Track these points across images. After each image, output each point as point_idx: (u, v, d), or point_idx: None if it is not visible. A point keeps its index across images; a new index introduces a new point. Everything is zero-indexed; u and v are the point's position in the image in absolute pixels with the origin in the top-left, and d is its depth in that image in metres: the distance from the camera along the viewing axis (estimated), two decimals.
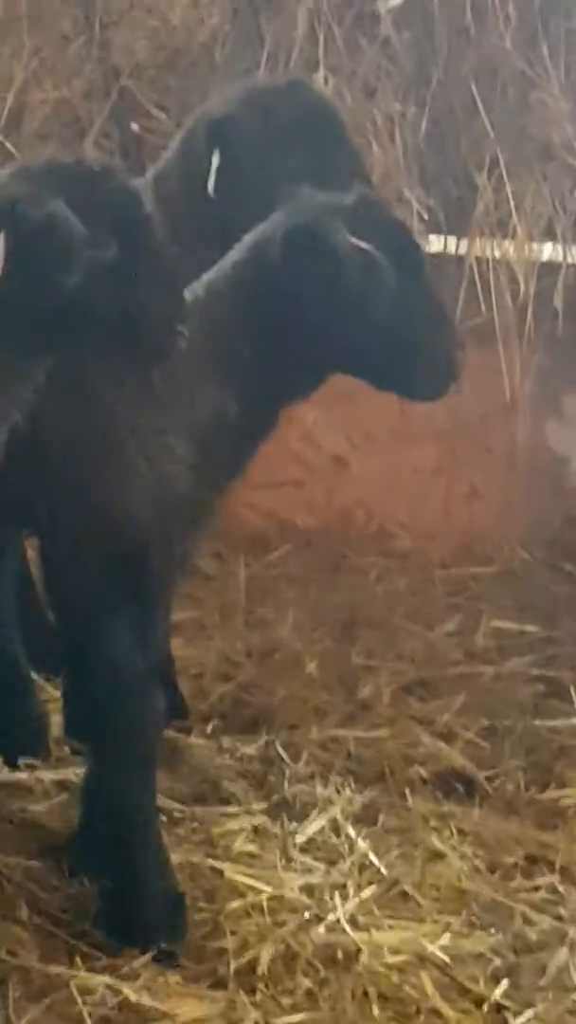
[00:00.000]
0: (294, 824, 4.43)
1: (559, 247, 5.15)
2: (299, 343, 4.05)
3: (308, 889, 4.13)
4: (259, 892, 4.07)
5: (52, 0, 5.61)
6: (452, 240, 4.89)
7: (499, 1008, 3.74)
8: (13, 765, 4.70)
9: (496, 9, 4.97)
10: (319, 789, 4.55)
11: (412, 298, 4.06)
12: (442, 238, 5.18)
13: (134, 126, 5.01)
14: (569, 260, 5.18)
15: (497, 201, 5.10)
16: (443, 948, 3.89)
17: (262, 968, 3.78)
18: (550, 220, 5.12)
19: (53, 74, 5.49)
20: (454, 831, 4.43)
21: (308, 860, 4.27)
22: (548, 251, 5.19)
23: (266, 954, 3.83)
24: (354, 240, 3.79)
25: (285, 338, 4.03)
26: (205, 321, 3.87)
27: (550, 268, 5.18)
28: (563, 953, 3.91)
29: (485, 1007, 3.74)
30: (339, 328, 3.99)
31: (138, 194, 3.95)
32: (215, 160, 4.13)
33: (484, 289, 5.15)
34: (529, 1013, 3.70)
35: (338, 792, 4.53)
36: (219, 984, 3.75)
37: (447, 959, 3.86)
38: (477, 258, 5.17)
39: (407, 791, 4.60)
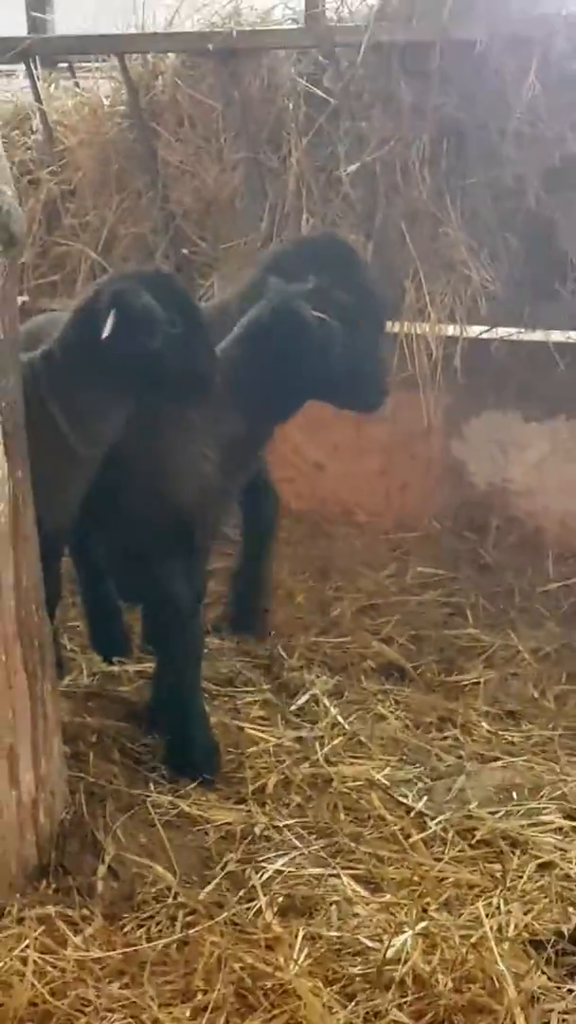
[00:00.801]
0: (289, 699, 4.53)
1: (458, 327, 5.18)
2: (284, 380, 4.11)
3: (299, 740, 4.23)
4: (267, 741, 4.21)
5: (131, 168, 5.68)
6: (389, 323, 4.86)
7: (421, 815, 3.80)
8: (109, 662, 4.75)
9: (416, 172, 5.00)
10: (305, 676, 4.64)
11: (355, 345, 4.11)
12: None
13: (184, 251, 4.89)
14: (464, 335, 5.19)
15: (418, 297, 5.12)
16: (386, 776, 4.01)
17: (269, 790, 3.93)
18: (452, 310, 5.14)
19: (132, 216, 5.56)
20: (393, 702, 4.52)
21: (299, 721, 4.38)
22: (451, 329, 5.22)
23: (272, 781, 3.96)
24: (314, 312, 3.92)
25: (275, 377, 4.10)
26: (225, 369, 3.97)
27: (452, 340, 5.19)
28: (461, 779, 3.99)
29: (412, 814, 3.81)
30: (308, 368, 4.05)
31: (188, 292, 4.29)
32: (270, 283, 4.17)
33: (410, 353, 5.15)
34: (440, 818, 3.76)
35: (317, 678, 4.61)
36: (241, 800, 3.89)
37: (388, 783, 3.97)
38: (406, 334, 5.20)
39: (362, 677, 4.70)
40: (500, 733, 4.37)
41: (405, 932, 3.18)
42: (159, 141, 5.71)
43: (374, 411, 4.52)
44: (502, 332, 5.36)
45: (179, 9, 5.80)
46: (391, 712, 4.45)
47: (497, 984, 2.98)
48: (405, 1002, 2.97)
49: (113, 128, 5.90)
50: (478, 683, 4.65)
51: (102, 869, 3.48)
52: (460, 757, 4.18)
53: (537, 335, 5.31)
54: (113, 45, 5.86)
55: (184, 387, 3.95)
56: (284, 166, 5.37)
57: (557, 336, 5.29)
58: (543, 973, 3.08)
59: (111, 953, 3.15)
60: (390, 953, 3.10)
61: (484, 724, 4.41)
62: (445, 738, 4.32)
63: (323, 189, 5.35)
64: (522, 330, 5.33)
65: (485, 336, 5.37)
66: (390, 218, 5.21)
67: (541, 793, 3.96)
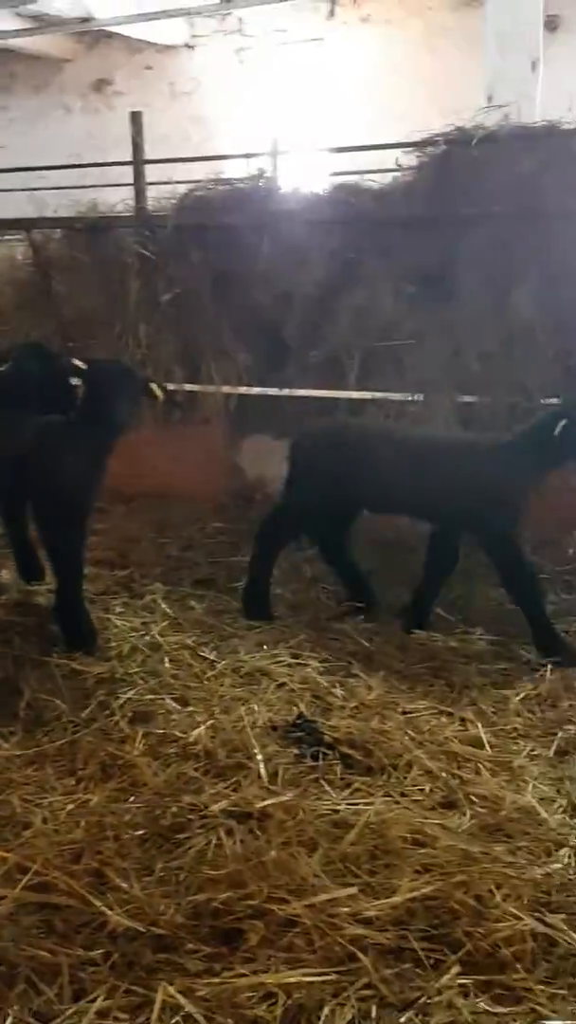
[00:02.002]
0: (139, 600, 4.37)
1: (232, 387, 5.28)
2: None
3: (143, 623, 4.08)
4: (124, 626, 4.05)
5: (35, 296, 5.68)
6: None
7: (213, 662, 3.71)
8: (29, 583, 4.43)
9: (204, 299, 5.17)
10: (148, 587, 4.52)
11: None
12: None
13: (69, 344, 4.66)
14: (235, 392, 5.33)
15: (208, 370, 5.35)
16: (193, 641, 3.89)
17: (124, 653, 3.77)
18: (227, 377, 5.31)
19: (37, 325, 5.53)
20: (200, 599, 4.41)
21: (143, 613, 4.22)
22: (226, 388, 5.30)
23: (126, 648, 3.81)
24: None
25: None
26: None
27: (229, 395, 5.35)
28: (236, 641, 3.92)
29: (208, 661, 3.74)
30: None
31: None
32: None
33: (205, 403, 5.28)
34: (223, 662, 3.67)
35: (156, 588, 4.50)
36: (108, 660, 3.73)
37: (194, 645, 3.85)
38: (202, 392, 5.33)
39: (183, 586, 4.59)
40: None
41: (200, 727, 3.21)
42: (53, 280, 5.63)
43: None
44: (256, 390, 5.33)
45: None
46: (199, 605, 4.37)
47: (251, 751, 3.03)
48: (200, 765, 3.03)
49: (24, 272, 5.79)
50: None
51: (22, 704, 3.41)
52: (237, 629, 4.12)
53: (272, 391, 5.28)
54: (22, 224, 5.82)
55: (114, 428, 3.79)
56: (127, 294, 5.32)
57: (285, 393, 5.26)
58: (276, 744, 3.13)
59: (27, 751, 3.12)
60: (191, 738, 3.15)
61: None
62: (230, 619, 4.24)
63: (150, 309, 5.27)
64: (265, 388, 5.28)
65: (244, 391, 5.34)
66: (191, 326, 5.22)
67: (278, 646, 3.90)
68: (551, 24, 12.23)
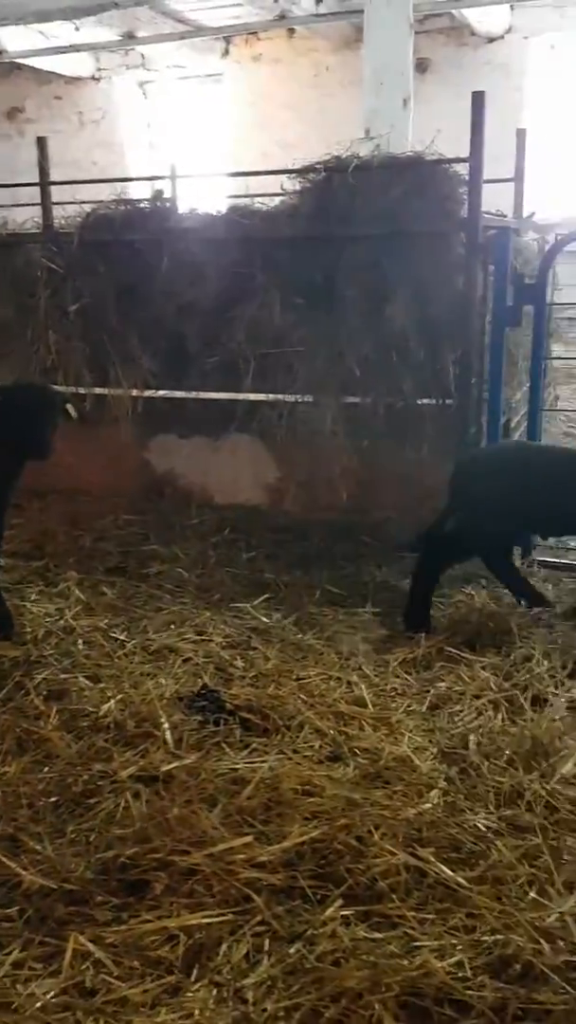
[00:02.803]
0: (54, 588, 4.26)
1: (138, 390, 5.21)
2: None
3: (57, 609, 3.99)
4: (39, 612, 3.97)
5: None
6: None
7: (123, 641, 3.66)
8: None
9: (111, 309, 5.11)
10: (62, 575, 4.43)
11: None
12: None
13: None
14: (141, 394, 5.24)
15: (116, 374, 5.23)
16: (105, 623, 3.84)
17: (39, 637, 3.69)
18: (135, 381, 5.20)
19: None
20: (112, 586, 4.30)
21: (58, 600, 4.14)
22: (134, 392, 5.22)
23: (40, 632, 3.71)
24: None
25: None
26: None
27: (136, 397, 5.26)
28: (145, 622, 3.89)
29: (118, 641, 3.69)
30: None
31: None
32: None
33: (115, 405, 5.22)
34: (133, 641, 3.63)
35: (70, 576, 4.40)
36: (24, 644, 3.65)
37: (106, 627, 3.80)
38: (112, 395, 5.23)
39: (96, 573, 4.49)
40: (169, 597, 4.25)
41: (111, 700, 3.17)
42: None
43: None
44: (161, 393, 5.26)
45: None
46: (111, 591, 4.31)
47: (157, 720, 3.01)
48: (110, 736, 2.99)
49: None
50: (158, 572, 4.54)
51: None
52: (146, 611, 4.07)
53: (178, 393, 5.23)
54: None
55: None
56: (37, 305, 5.20)
57: (188, 395, 5.23)
58: (182, 713, 3.12)
59: None
60: (102, 712, 3.10)
61: (163, 594, 4.26)
62: (140, 602, 4.19)
63: (59, 319, 5.18)
64: (170, 391, 5.23)
65: (150, 395, 5.27)
66: (98, 334, 5.15)
67: (184, 625, 3.89)
68: (421, 66, 12.51)
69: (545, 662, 3.46)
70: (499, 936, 2.01)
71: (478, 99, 4.23)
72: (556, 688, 3.29)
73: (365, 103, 7.93)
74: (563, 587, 4.32)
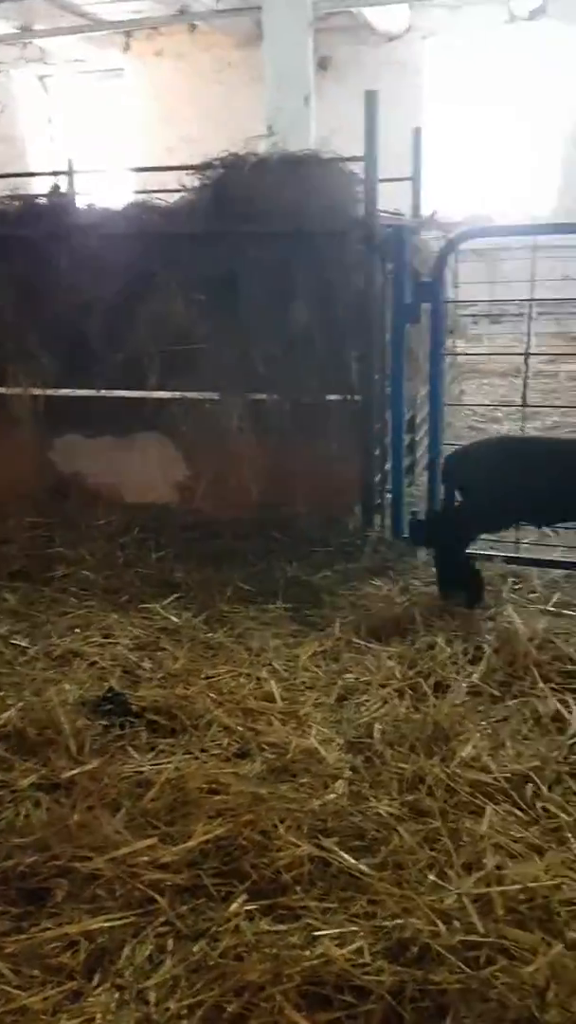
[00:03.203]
0: None
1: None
2: None
3: None
4: None
5: None
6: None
7: (24, 648, 3.60)
8: None
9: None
10: None
11: None
12: None
13: None
14: (44, 394, 5.09)
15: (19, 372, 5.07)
16: (6, 631, 3.77)
17: None
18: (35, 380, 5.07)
19: None
20: (13, 591, 4.22)
21: None
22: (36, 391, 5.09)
23: None
24: None
25: None
26: None
27: (38, 397, 5.13)
28: (49, 627, 3.81)
29: (19, 648, 3.61)
30: None
31: None
32: None
33: (18, 405, 5.05)
34: (35, 648, 3.58)
35: None
36: None
37: (8, 634, 3.72)
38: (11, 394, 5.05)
39: None
40: (74, 600, 4.17)
41: (11, 709, 3.10)
42: None
43: None
44: (64, 391, 5.15)
45: None
46: (12, 597, 4.19)
47: (61, 727, 2.96)
48: (10, 745, 2.93)
49: None
50: (63, 576, 4.45)
51: None
52: (49, 616, 3.98)
53: (82, 392, 5.13)
54: None
55: None
56: None
57: (91, 394, 5.12)
58: (86, 718, 3.07)
59: None
60: (2, 721, 3.02)
61: (68, 597, 4.19)
62: (43, 607, 4.09)
63: None
64: (73, 390, 5.12)
65: (52, 393, 5.14)
66: None
67: (90, 628, 3.81)
68: (323, 64, 12.62)
69: (448, 649, 3.53)
70: (399, 920, 2.05)
71: (371, 98, 4.28)
72: (458, 674, 3.37)
73: (267, 100, 7.99)
74: None
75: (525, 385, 4.69)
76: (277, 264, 4.59)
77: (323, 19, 11.17)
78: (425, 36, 12.97)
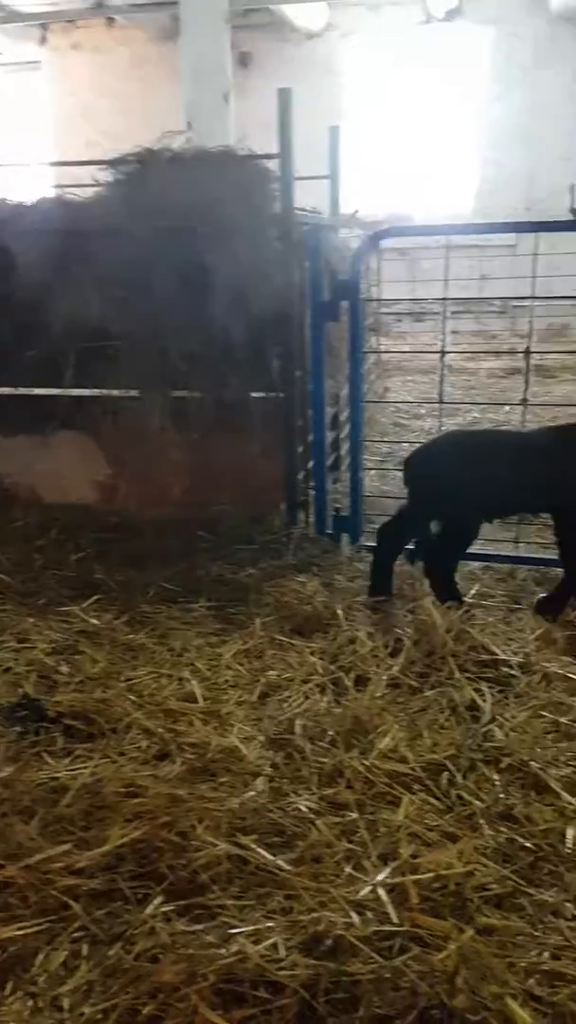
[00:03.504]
0: None
1: None
2: None
3: None
4: None
5: None
6: None
7: None
8: None
9: None
10: None
11: None
12: None
13: None
14: None
15: None
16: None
17: None
18: None
19: None
20: None
21: None
22: None
23: None
24: None
25: None
26: None
27: None
28: None
29: None
30: None
31: None
32: None
33: None
34: None
35: None
36: None
37: None
38: None
39: None
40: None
41: None
42: None
43: None
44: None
45: None
46: None
47: None
48: None
49: None
50: None
51: None
52: None
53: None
54: None
55: None
56: None
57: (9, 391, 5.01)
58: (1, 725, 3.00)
59: None
60: None
61: None
62: None
63: None
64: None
65: None
66: None
67: (4, 633, 3.71)
68: (244, 60, 12.62)
69: (369, 643, 3.56)
70: (315, 914, 2.07)
71: (284, 95, 4.30)
72: (378, 667, 3.40)
73: (185, 96, 7.93)
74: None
75: (441, 382, 4.79)
76: (194, 261, 4.57)
77: (242, 15, 11.17)
78: (344, 34, 13.08)
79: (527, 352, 4.51)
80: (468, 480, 3.65)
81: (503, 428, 4.70)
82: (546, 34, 12.86)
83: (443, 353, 4.77)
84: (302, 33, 12.85)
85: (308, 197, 5.59)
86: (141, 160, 4.55)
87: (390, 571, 3.96)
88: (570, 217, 4.03)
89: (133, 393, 4.87)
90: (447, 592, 3.82)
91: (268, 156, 4.43)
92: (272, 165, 4.51)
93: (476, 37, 13.26)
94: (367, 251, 4.58)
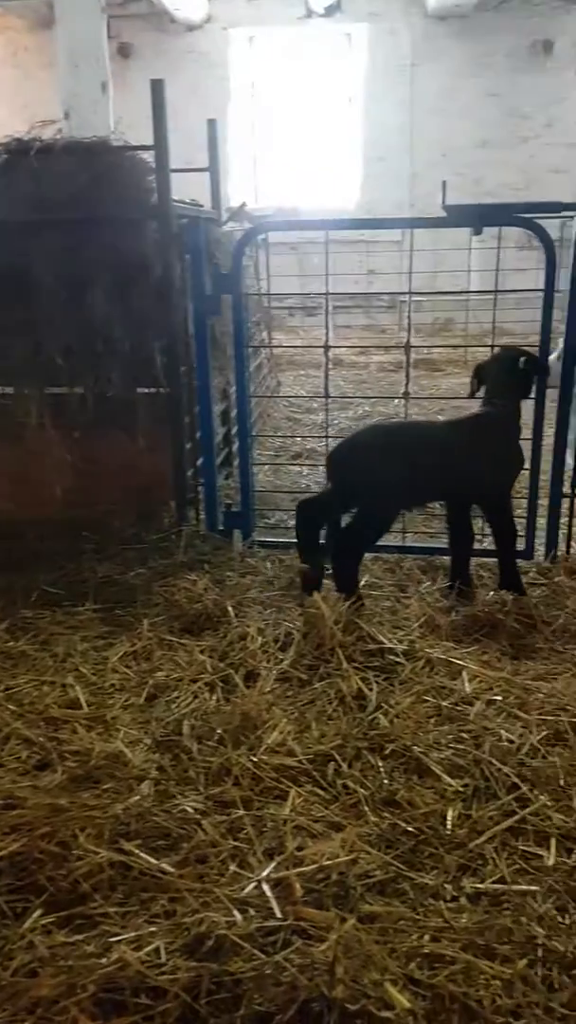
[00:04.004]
0: None
1: None
2: None
3: None
4: None
5: None
6: None
7: None
8: None
9: None
10: None
11: None
12: None
13: None
14: None
15: None
16: None
17: None
18: None
19: None
20: None
21: None
22: None
23: None
24: None
25: None
26: None
27: None
28: None
29: None
30: None
31: None
32: None
33: None
34: None
35: None
36: None
37: None
38: None
39: None
40: None
41: None
42: None
43: None
44: None
45: None
46: None
47: None
48: None
49: None
50: None
51: None
52: None
53: None
54: None
55: None
56: None
57: None
58: None
59: None
60: None
61: None
62: None
63: None
64: None
65: None
66: None
67: None
68: (124, 51, 12.41)
69: (259, 638, 3.55)
70: (198, 915, 2.04)
71: (157, 87, 4.24)
72: (268, 662, 3.40)
73: (62, 86, 7.74)
74: (280, 565, 4.49)
75: (326, 376, 4.84)
76: (73, 253, 4.45)
77: (120, 4, 10.98)
78: (226, 27, 13.03)
79: (407, 346, 4.60)
80: (392, 471, 3.67)
81: (425, 420, 4.75)
82: (423, 32, 13.17)
83: (327, 348, 4.82)
84: (182, 25, 12.74)
85: (192, 190, 5.55)
86: (10, 150, 4.39)
87: (316, 539, 3.89)
88: (443, 214, 4.07)
89: (10, 390, 4.71)
90: (351, 583, 3.81)
91: (144, 147, 4.36)
92: (149, 157, 4.45)
93: (355, 33, 13.44)
94: (246, 244, 4.57)
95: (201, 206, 5.30)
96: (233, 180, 13.07)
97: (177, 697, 3.21)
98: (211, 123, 5.87)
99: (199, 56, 12.98)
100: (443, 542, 4.31)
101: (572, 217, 4.11)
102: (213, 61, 13.04)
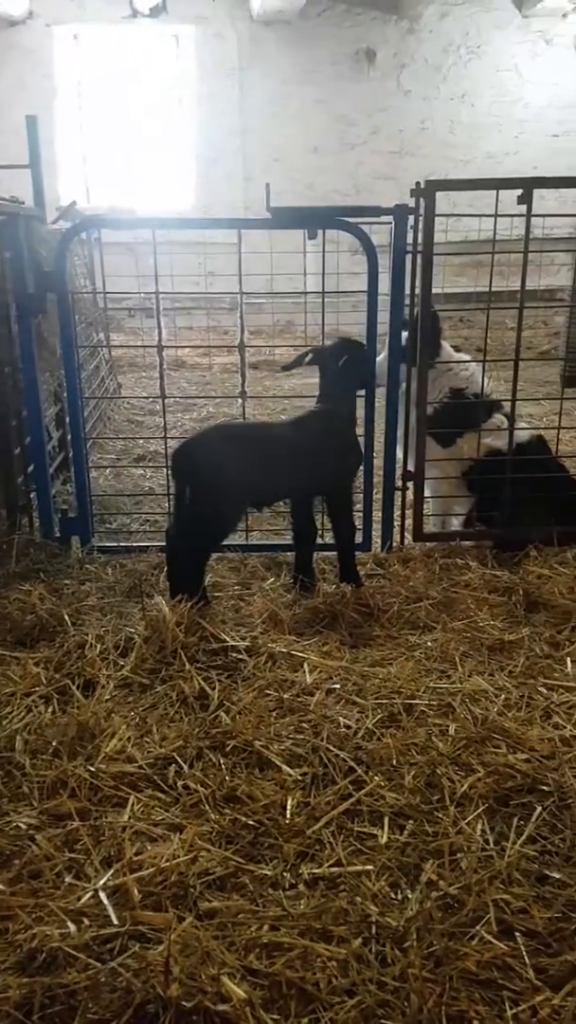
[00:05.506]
0: None
1: None
2: None
3: None
4: None
5: None
6: None
7: None
8: None
9: None
10: None
11: None
12: None
13: None
14: None
15: None
16: None
17: None
18: None
19: None
20: None
21: None
22: None
23: None
24: None
25: None
26: None
27: None
28: None
29: None
30: None
31: None
32: None
33: None
34: None
35: None
36: None
37: None
38: None
39: None
40: None
41: None
42: None
43: None
44: None
45: None
46: None
47: None
48: None
49: None
50: None
51: None
52: None
53: None
54: None
55: None
56: None
57: None
58: None
59: None
60: None
61: None
62: None
63: None
64: None
65: None
66: None
67: None
68: None
69: (98, 646, 3.47)
70: (31, 931, 1.97)
71: None
72: (108, 669, 3.33)
73: None
74: (122, 570, 4.41)
75: (162, 378, 4.77)
76: None
77: None
78: (49, 24, 12.70)
79: (241, 347, 4.63)
80: (239, 470, 3.66)
81: (270, 420, 4.75)
82: (249, 37, 13.31)
83: (161, 347, 4.77)
84: (4, 20, 12.31)
85: (18, 188, 5.36)
86: None
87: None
88: (267, 216, 4.14)
89: None
90: (195, 584, 3.78)
91: None
92: None
93: (182, 35, 13.43)
94: (70, 241, 4.46)
95: (22, 203, 5.12)
96: (63, 179, 12.74)
97: (9, 713, 3.08)
98: (30, 119, 5.69)
99: (24, 52, 12.58)
100: (287, 539, 4.38)
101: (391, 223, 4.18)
102: (37, 58, 12.67)
